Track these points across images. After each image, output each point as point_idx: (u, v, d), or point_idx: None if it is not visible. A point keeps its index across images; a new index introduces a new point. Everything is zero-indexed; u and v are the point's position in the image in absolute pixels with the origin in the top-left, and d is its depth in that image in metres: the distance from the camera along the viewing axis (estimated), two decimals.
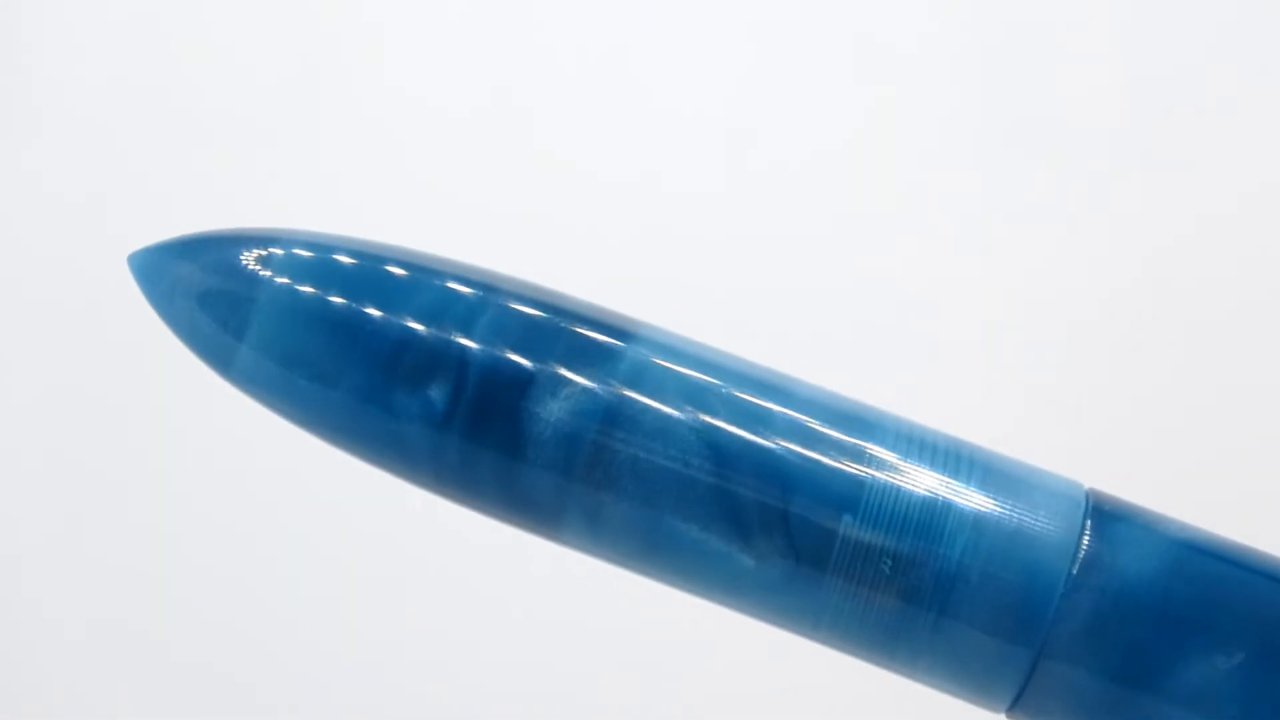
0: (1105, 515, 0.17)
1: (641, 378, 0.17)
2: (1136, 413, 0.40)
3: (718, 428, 0.17)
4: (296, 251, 0.17)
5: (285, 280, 0.17)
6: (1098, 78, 0.43)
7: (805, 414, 0.17)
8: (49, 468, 0.42)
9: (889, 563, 0.16)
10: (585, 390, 0.17)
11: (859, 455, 0.17)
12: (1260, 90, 0.42)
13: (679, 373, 0.17)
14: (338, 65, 0.45)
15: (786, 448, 0.17)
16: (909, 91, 0.43)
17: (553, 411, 0.17)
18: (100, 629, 0.41)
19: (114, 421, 0.42)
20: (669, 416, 0.17)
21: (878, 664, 0.17)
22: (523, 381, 0.17)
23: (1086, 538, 0.16)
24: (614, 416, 0.17)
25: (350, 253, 0.17)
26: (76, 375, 0.43)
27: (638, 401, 0.17)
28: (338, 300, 0.17)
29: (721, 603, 0.17)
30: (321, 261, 0.17)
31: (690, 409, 0.17)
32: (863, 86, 0.43)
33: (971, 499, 0.16)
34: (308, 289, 0.17)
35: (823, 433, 0.17)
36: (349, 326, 0.17)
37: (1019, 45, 0.43)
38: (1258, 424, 0.40)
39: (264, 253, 0.17)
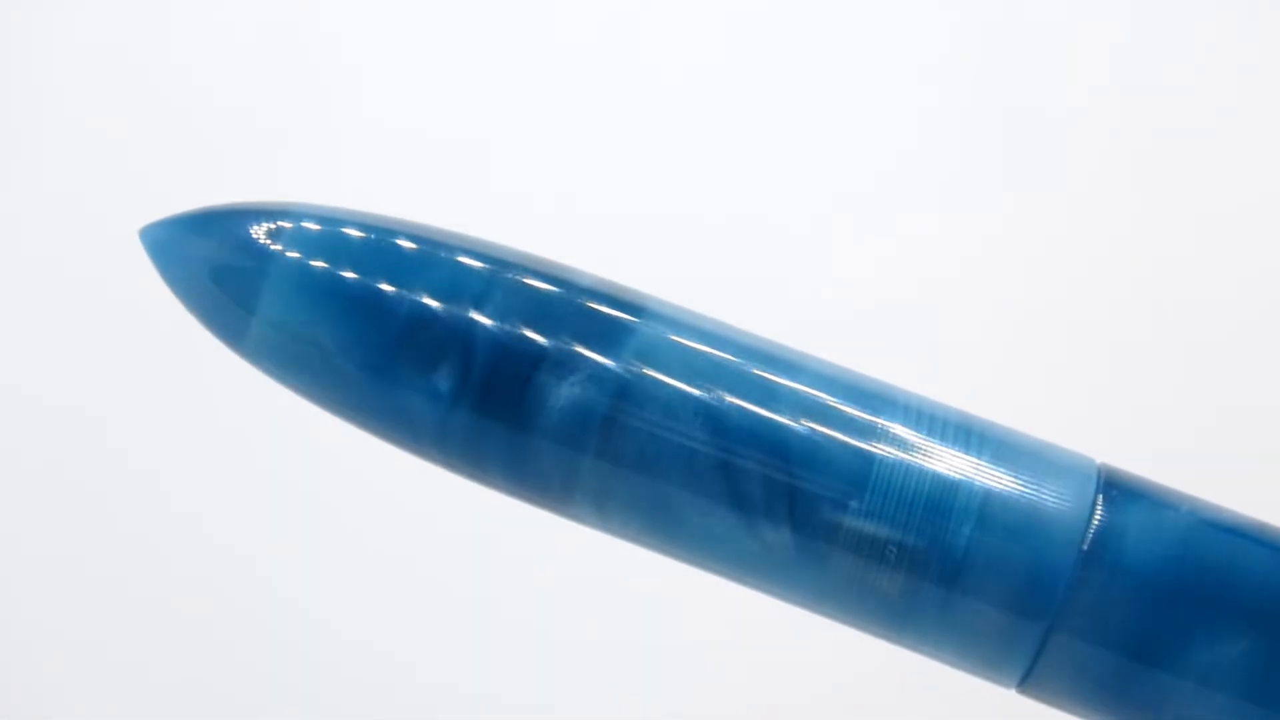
0: (1117, 490, 0.17)
1: (652, 353, 0.17)
2: (1149, 390, 0.40)
3: (726, 402, 0.17)
4: (308, 225, 0.17)
5: (296, 254, 0.17)
6: (1098, 77, 0.43)
7: (815, 389, 0.17)
8: (46, 470, 0.42)
9: (894, 550, 0.16)
10: (596, 365, 0.17)
11: (868, 430, 0.17)
12: (1259, 94, 0.42)
13: (689, 347, 0.17)
14: (341, 54, 0.45)
15: (796, 423, 0.16)
16: (912, 92, 0.43)
17: (564, 386, 0.17)
18: (98, 630, 0.41)
19: (111, 425, 0.42)
20: (679, 391, 0.17)
21: (887, 639, 0.17)
22: (534, 356, 0.17)
23: (1098, 513, 0.16)
24: (624, 391, 0.17)
25: (362, 227, 0.17)
26: (76, 376, 0.43)
27: (648, 376, 0.17)
28: (349, 274, 0.17)
29: (730, 577, 0.17)
30: (333, 235, 0.17)
31: (699, 384, 0.17)
32: (870, 84, 0.43)
33: (982, 473, 0.16)
34: (319, 263, 0.17)
35: (832, 407, 0.17)
36: (359, 300, 0.17)
37: (1022, 45, 0.43)
38: (1270, 400, 0.40)
39: (275, 226, 0.17)
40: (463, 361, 0.17)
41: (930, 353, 0.40)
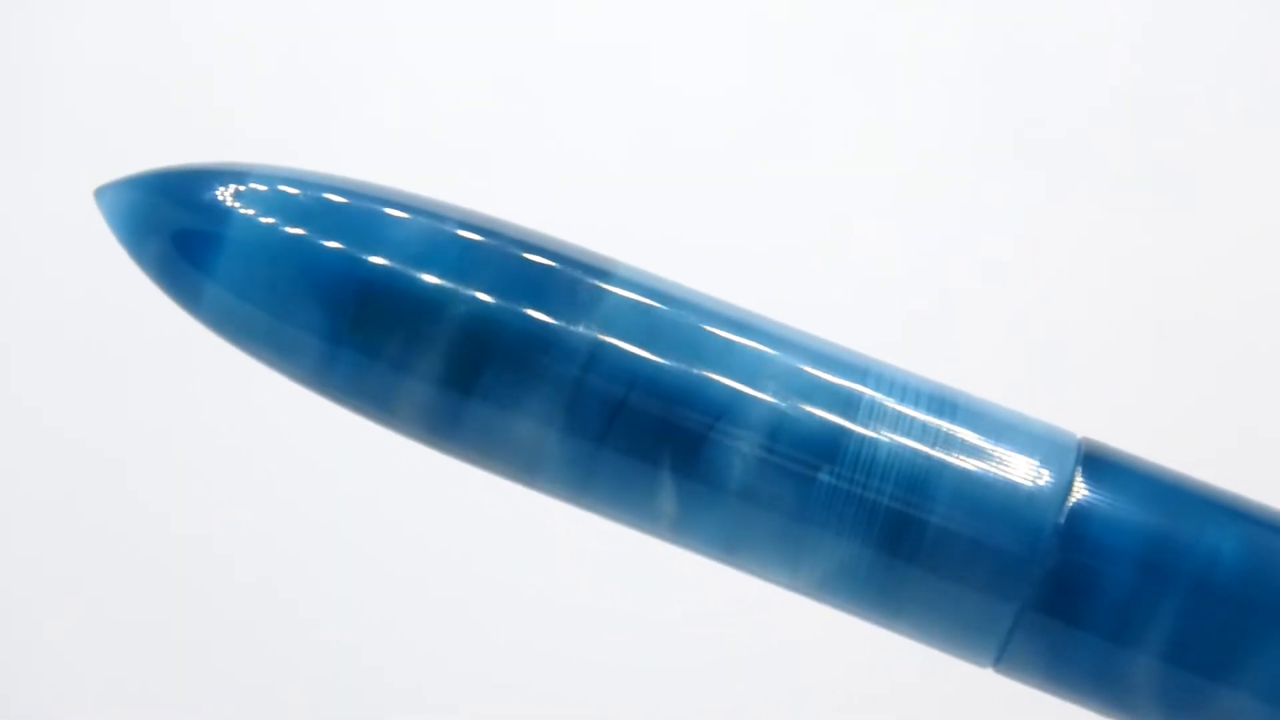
0: (1098, 465, 0.16)
1: (620, 319, 0.16)
2: (1136, 369, 0.40)
3: (697, 370, 0.16)
4: (268, 187, 0.17)
5: (256, 214, 0.17)
6: (1104, 85, 0.43)
7: (791, 357, 0.16)
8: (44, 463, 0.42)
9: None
10: (566, 333, 0.16)
11: (842, 399, 0.16)
12: (1266, 100, 0.42)
13: (659, 312, 0.16)
14: (343, 57, 0.44)
15: (770, 392, 0.16)
16: (910, 95, 0.43)
17: (532, 355, 0.16)
18: (91, 630, 0.41)
19: (106, 420, 0.42)
20: (649, 362, 0.16)
21: (860, 616, 0.17)
22: (503, 325, 0.16)
23: (1076, 487, 0.16)
24: (595, 359, 0.16)
25: (328, 189, 0.17)
26: (74, 373, 0.42)
27: (616, 345, 0.16)
28: (310, 236, 0.17)
29: (702, 552, 0.17)
30: (295, 197, 0.17)
31: (669, 349, 0.16)
32: (869, 88, 0.43)
33: (958, 445, 0.16)
34: (279, 224, 0.17)
35: (806, 375, 0.16)
36: (321, 264, 0.16)
37: (1025, 50, 0.43)
38: (1257, 381, 0.40)
39: (235, 187, 0.17)
40: (424, 331, 0.16)
41: (914, 332, 0.40)
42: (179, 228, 0.17)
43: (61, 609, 0.41)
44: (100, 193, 0.17)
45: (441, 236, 0.17)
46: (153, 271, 0.17)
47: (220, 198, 0.17)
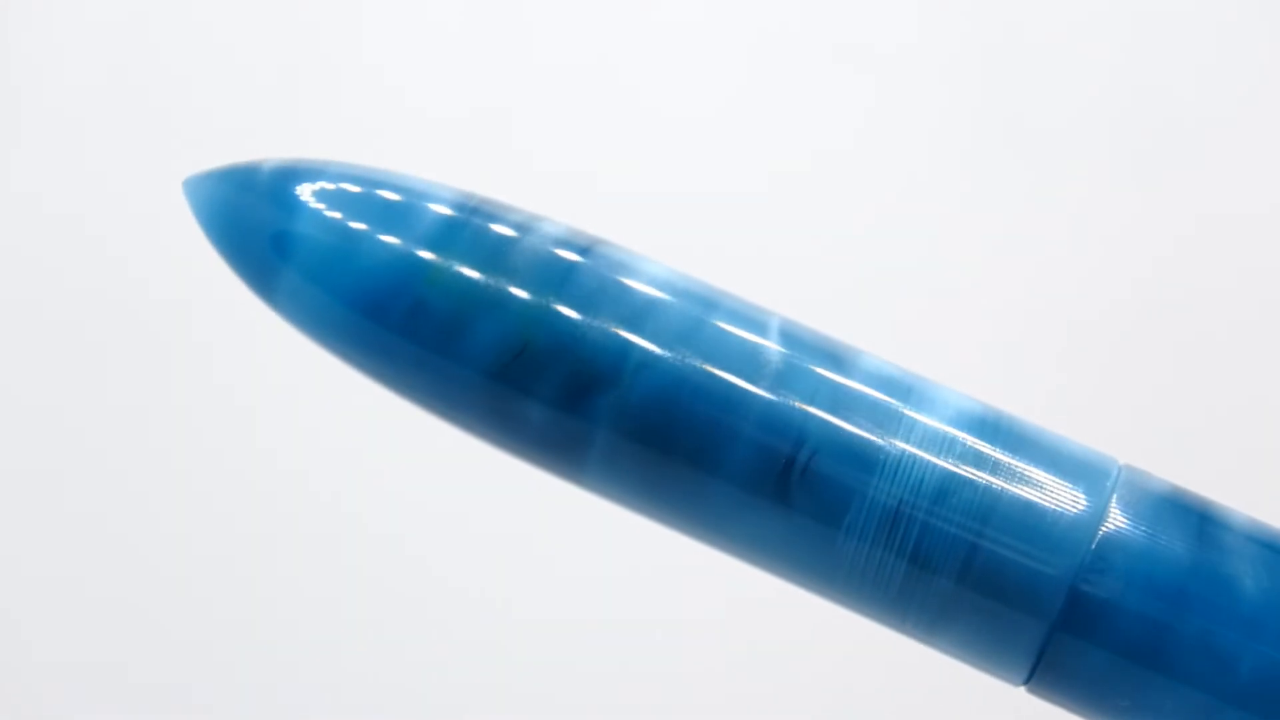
0: (1135, 491, 0.16)
1: (656, 323, 0.17)
2: (1178, 391, 0.40)
3: (743, 379, 0.17)
4: (344, 185, 0.18)
5: (334, 213, 0.17)
6: (1094, 81, 0.43)
7: (834, 372, 0.17)
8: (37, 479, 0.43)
9: None
10: (619, 340, 0.17)
11: (884, 414, 0.16)
12: (1254, 95, 0.42)
13: (693, 312, 0.17)
14: (329, 68, 0.45)
15: (813, 403, 0.16)
16: (904, 94, 0.43)
17: (592, 357, 0.17)
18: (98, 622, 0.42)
19: (101, 424, 0.43)
20: (690, 368, 0.17)
21: (893, 628, 0.17)
22: (566, 329, 0.17)
23: (1112, 514, 0.16)
24: (644, 364, 0.17)
25: (398, 189, 0.18)
26: (62, 378, 0.43)
27: (658, 353, 0.17)
28: (384, 237, 0.17)
29: (737, 554, 0.17)
30: (366, 195, 0.18)
31: (704, 355, 0.17)
32: (858, 89, 0.43)
33: (997, 467, 0.16)
34: (354, 223, 0.17)
35: (850, 389, 0.17)
36: (391, 260, 0.17)
37: (1017, 46, 0.43)
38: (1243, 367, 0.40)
39: (313, 183, 0.18)
40: (490, 327, 0.17)
41: (939, 359, 0.40)
42: (258, 218, 0.18)
43: (59, 607, 0.42)
44: (187, 183, 0.18)
45: (507, 239, 0.17)
46: (232, 260, 0.18)
47: (298, 191, 0.18)
